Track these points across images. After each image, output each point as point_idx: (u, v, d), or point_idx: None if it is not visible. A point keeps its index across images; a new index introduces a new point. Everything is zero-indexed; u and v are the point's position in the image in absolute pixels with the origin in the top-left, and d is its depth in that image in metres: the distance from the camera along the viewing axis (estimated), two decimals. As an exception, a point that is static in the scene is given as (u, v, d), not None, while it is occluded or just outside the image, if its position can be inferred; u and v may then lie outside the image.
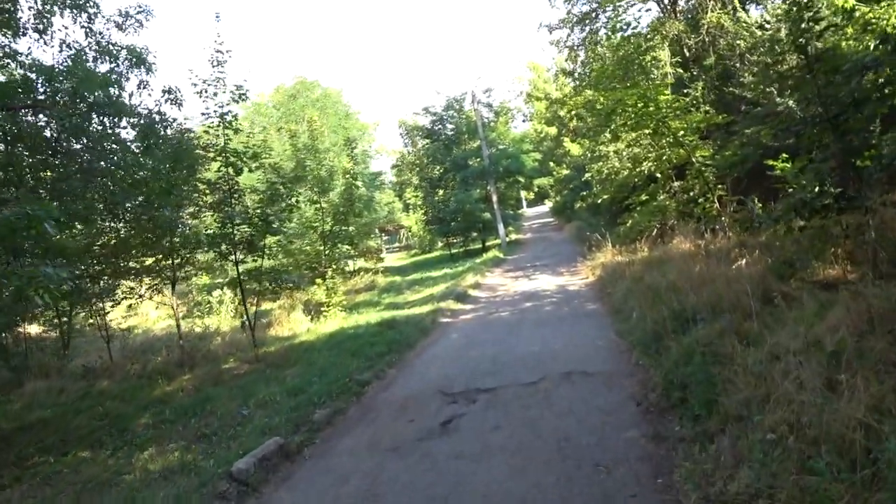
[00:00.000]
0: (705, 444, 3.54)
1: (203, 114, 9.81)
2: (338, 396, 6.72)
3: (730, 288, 6.28)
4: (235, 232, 10.06)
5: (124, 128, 9.13)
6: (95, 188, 8.49)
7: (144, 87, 9.50)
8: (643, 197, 13.16)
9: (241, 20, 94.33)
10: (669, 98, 10.53)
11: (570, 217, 30.77)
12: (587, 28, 16.46)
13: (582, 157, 22.94)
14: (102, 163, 8.62)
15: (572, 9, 16.34)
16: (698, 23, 13.96)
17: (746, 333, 4.84)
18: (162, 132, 9.48)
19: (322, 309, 13.89)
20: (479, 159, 27.21)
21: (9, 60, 8.34)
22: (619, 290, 9.77)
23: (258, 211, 10.40)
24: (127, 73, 9.26)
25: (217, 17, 9.92)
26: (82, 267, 10.32)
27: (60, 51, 8.59)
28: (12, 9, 8.17)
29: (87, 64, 8.76)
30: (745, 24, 12.23)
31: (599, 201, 18.03)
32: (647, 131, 11.55)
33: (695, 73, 13.65)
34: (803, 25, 6.76)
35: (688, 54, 14.29)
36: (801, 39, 6.78)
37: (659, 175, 12.77)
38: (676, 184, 12.27)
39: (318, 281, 14.53)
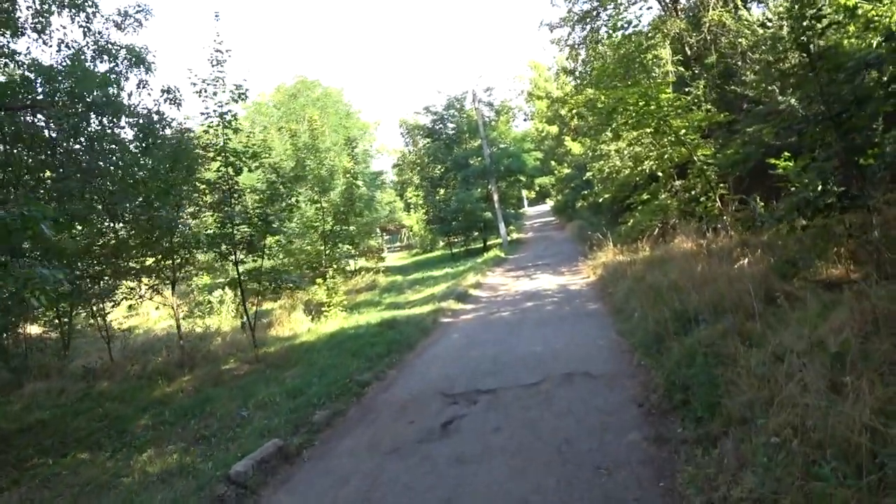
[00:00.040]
0: (708, 448, 3.49)
1: (202, 113, 9.79)
2: (338, 397, 6.68)
3: (732, 287, 6.24)
4: (235, 232, 10.03)
5: (122, 128, 9.10)
6: (94, 189, 8.46)
7: (144, 87, 9.49)
8: (644, 196, 13.12)
9: (241, 20, 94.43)
10: (671, 96, 10.49)
11: (571, 216, 30.73)
12: (588, 26, 16.41)
13: (583, 155, 22.90)
14: (101, 163, 8.59)
15: (573, 7, 16.31)
16: (700, 21, 13.90)
17: (749, 334, 4.79)
18: (161, 132, 9.45)
19: (323, 309, 13.85)
20: (480, 158, 27.17)
21: (7, 60, 8.31)
22: (620, 289, 9.72)
23: (258, 211, 10.36)
24: (126, 72, 9.25)
25: (216, 16, 9.94)
26: (82, 267, 10.33)
27: (58, 50, 8.57)
28: (11, 8, 8.15)
29: (86, 63, 8.73)
30: (746, 22, 12.17)
31: (601, 200, 17.99)
32: (648, 130, 11.51)
33: (696, 71, 13.59)
34: (805, 23, 6.71)
35: (689, 52, 14.23)
36: (803, 37, 6.73)
37: (660, 174, 12.73)
38: (678, 183, 12.22)
39: (319, 281, 14.49)
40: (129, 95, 9.33)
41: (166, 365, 10.17)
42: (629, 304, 8.48)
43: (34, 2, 8.18)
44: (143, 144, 9.05)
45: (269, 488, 4.64)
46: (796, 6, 6.76)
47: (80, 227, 9.48)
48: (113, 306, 11.84)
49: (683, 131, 10.81)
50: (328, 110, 31.68)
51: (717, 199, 10.43)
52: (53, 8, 8.33)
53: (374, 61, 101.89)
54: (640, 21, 14.60)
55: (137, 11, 9.40)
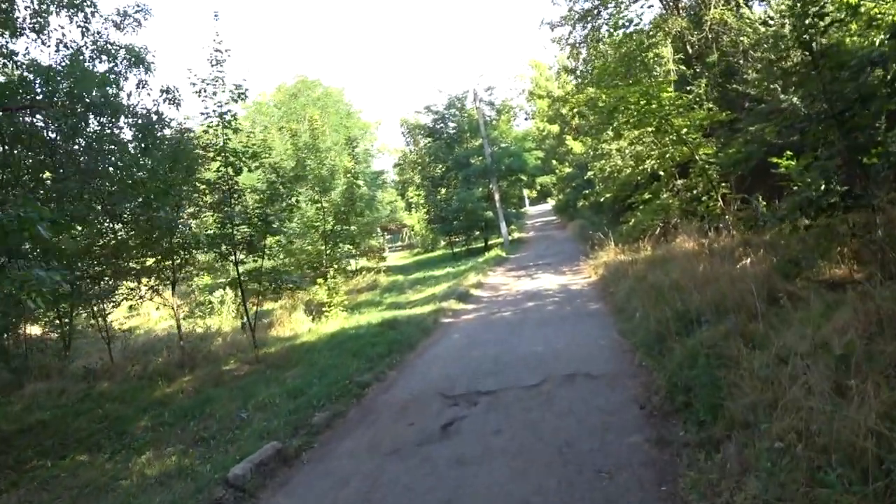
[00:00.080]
0: (711, 452, 3.44)
1: (202, 113, 9.76)
2: (337, 399, 6.65)
3: (734, 287, 6.19)
4: (235, 232, 10.00)
5: (121, 128, 9.08)
6: (93, 189, 8.44)
7: (143, 87, 9.47)
8: (646, 195, 13.08)
9: (242, 20, 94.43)
10: (672, 95, 10.45)
11: (572, 215, 30.67)
12: (589, 25, 16.34)
13: (584, 155, 22.85)
14: (100, 163, 8.56)
15: (574, 6, 16.24)
16: (701, 19, 13.84)
17: (752, 335, 4.74)
18: (160, 132, 9.42)
19: (323, 309, 13.83)
20: (481, 158, 27.12)
21: (5, 61, 8.29)
22: (621, 289, 9.68)
23: (258, 211, 10.33)
24: (126, 72, 9.23)
25: (216, 15, 9.91)
26: (82, 268, 10.31)
27: (57, 50, 8.53)
28: (9, 8, 8.11)
29: (85, 64, 8.71)
30: (748, 20, 12.11)
31: (602, 200, 17.95)
32: (649, 129, 11.47)
33: (698, 69, 13.53)
34: (808, 21, 6.67)
35: (690, 51, 14.17)
36: (805, 35, 6.68)
37: (662, 173, 12.69)
38: (679, 182, 12.17)
39: (320, 281, 14.46)
40: (129, 96, 9.31)
41: (167, 365, 10.14)
42: (630, 303, 8.44)
43: (32, 1, 8.15)
44: (143, 145, 9.02)
45: (268, 491, 4.60)
46: (798, 4, 6.72)
47: (79, 228, 9.46)
48: (114, 307, 11.82)
49: (685, 130, 10.77)
50: (329, 110, 31.68)
51: (719, 199, 10.39)
52: (52, 8, 8.30)
53: (375, 61, 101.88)
54: (641, 19, 14.56)
55: (136, 11, 9.37)
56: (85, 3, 8.52)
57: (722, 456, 3.28)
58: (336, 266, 16.91)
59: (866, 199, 5.81)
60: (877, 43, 6.91)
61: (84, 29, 8.65)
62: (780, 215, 6.78)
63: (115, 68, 9.07)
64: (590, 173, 19.34)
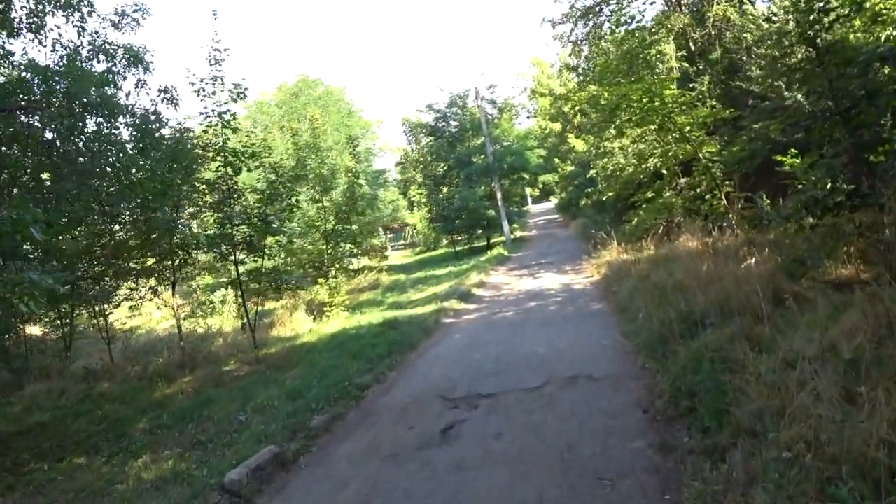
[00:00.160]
0: (716, 462, 3.34)
1: (201, 113, 9.69)
2: (336, 401, 6.57)
3: (739, 287, 6.10)
4: (235, 232, 9.94)
5: (119, 129, 9.01)
6: (90, 190, 8.37)
7: (142, 87, 9.41)
8: (649, 194, 12.99)
9: (243, 19, 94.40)
10: (675, 93, 10.33)
11: (575, 214, 30.55)
12: (591, 22, 16.20)
13: (587, 153, 22.73)
14: (98, 164, 8.50)
15: (576, 3, 16.10)
16: (704, 16, 13.71)
17: (758, 338, 4.64)
18: (158, 132, 9.35)
19: (325, 309, 13.77)
20: (483, 156, 27.04)
21: (1, 61, 8.23)
22: (624, 288, 9.59)
23: (257, 211, 10.26)
24: (124, 72, 9.18)
25: (214, 14, 9.82)
26: (83, 268, 10.26)
27: (53, 50, 8.47)
28: (6, 8, 8.06)
29: (83, 63, 8.65)
30: (751, 17, 11.99)
31: (604, 198, 17.83)
32: (652, 127, 11.37)
33: (701, 67, 13.40)
34: (812, 17, 6.56)
35: (693, 48, 14.05)
36: (810, 32, 6.58)
37: (665, 171, 12.58)
38: (683, 180, 12.07)
39: (321, 280, 14.39)
40: (127, 95, 9.26)
41: (167, 366, 10.11)
42: (633, 303, 8.35)
43: (28, 1, 8.08)
44: (141, 145, 8.96)
45: (264, 496, 4.54)
46: (802, 0, 6.61)
47: (78, 230, 9.41)
48: (115, 307, 11.77)
49: (688, 128, 10.66)
50: (330, 109, 31.63)
51: (723, 197, 10.28)
52: (48, 7, 8.23)
53: (377, 60, 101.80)
54: (643, 16, 14.42)
55: (135, 11, 9.33)
56: (81, 3, 8.45)
57: (728, 466, 3.19)
58: (338, 265, 16.85)
59: (873, 198, 5.70)
60: (882, 38, 6.81)
61: (80, 29, 8.60)
62: (785, 214, 6.67)
63: (114, 68, 9.02)
64: (592, 172, 19.23)
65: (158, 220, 9.23)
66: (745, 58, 12.08)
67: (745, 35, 12.03)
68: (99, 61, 8.94)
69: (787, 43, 8.36)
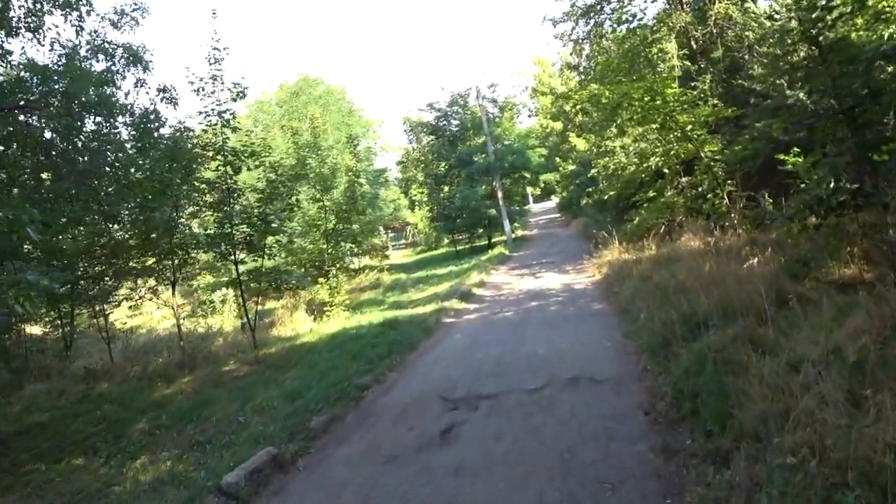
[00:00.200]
0: (720, 467, 3.28)
1: (200, 112, 9.63)
2: (336, 402, 6.52)
3: (741, 288, 6.04)
4: (235, 232, 9.90)
5: (117, 128, 8.98)
6: (88, 189, 8.34)
7: (141, 86, 9.38)
8: (650, 193, 12.94)
9: (244, 18, 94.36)
10: (677, 91, 10.27)
11: (576, 213, 30.50)
12: (592, 21, 16.14)
13: (588, 152, 22.66)
14: (96, 164, 8.47)
15: (577, 1, 16.04)
16: (705, 14, 13.66)
17: (761, 340, 4.58)
18: (157, 132, 9.32)
19: (325, 308, 13.73)
20: (484, 155, 26.99)
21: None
22: (626, 288, 9.54)
23: (256, 210, 10.22)
24: (123, 71, 9.15)
25: (214, 13, 9.78)
26: (83, 268, 10.23)
27: (52, 49, 8.44)
28: (4, 7, 8.02)
29: (82, 63, 8.61)
30: (753, 15, 11.93)
31: (606, 197, 17.80)
32: (653, 126, 11.31)
33: (702, 65, 13.34)
34: (815, 15, 6.50)
35: (695, 46, 13.99)
36: (813, 30, 6.52)
37: (666, 170, 12.52)
38: (684, 179, 12.01)
39: (321, 280, 14.34)
40: (126, 95, 9.22)
41: (167, 366, 10.06)
42: (635, 304, 8.30)
43: (26, 0, 8.05)
44: (140, 144, 8.92)
45: (261, 499, 4.49)
46: (805, -2, 6.56)
47: (78, 229, 9.37)
48: (115, 307, 11.74)
49: (690, 127, 10.60)
50: (331, 108, 31.61)
51: (725, 197, 10.23)
52: (46, 7, 8.19)
53: (378, 59, 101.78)
54: (644, 14, 14.40)
55: (134, 10, 9.31)
56: (80, 2, 8.42)
57: (731, 471, 3.12)
58: (338, 265, 16.81)
59: (877, 198, 5.65)
60: (885, 36, 6.75)
61: (79, 28, 8.57)
62: (788, 214, 6.62)
63: (113, 67, 9.00)
64: (593, 171, 19.19)
65: (157, 219, 9.18)
66: (747, 56, 12.03)
67: (747, 33, 11.98)
68: (98, 60, 8.92)
69: (789, 41, 8.30)
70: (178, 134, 10.12)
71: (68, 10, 8.35)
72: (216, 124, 9.63)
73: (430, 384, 6.79)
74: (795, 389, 3.27)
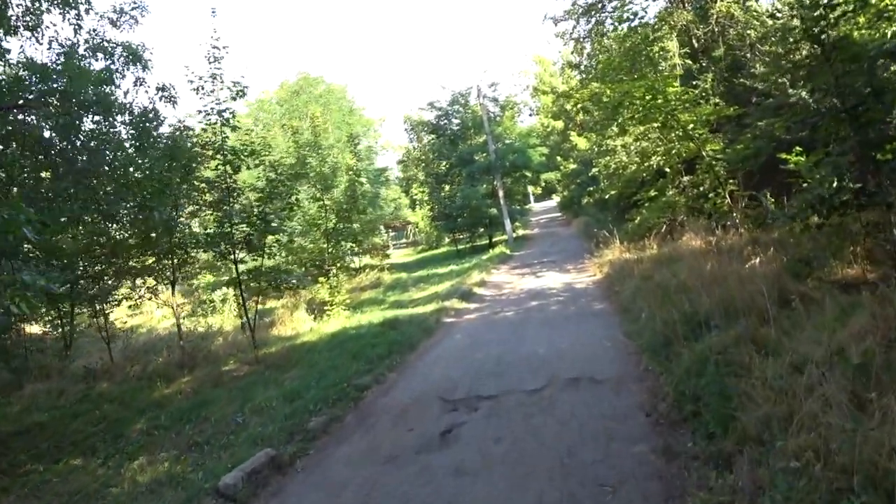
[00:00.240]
0: (722, 471, 3.23)
1: (199, 111, 9.60)
2: (335, 403, 6.48)
3: (743, 287, 6.00)
4: (234, 231, 9.86)
5: (116, 127, 8.95)
6: (87, 189, 8.31)
7: (140, 85, 9.35)
8: (652, 192, 12.89)
9: (244, 17, 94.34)
10: (678, 90, 10.22)
11: (577, 212, 30.45)
12: (593, 19, 16.07)
13: (589, 151, 22.61)
14: (95, 163, 8.43)
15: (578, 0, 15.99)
16: (707, 12, 13.60)
17: (764, 340, 4.53)
18: (156, 131, 9.28)
19: (325, 308, 13.70)
20: (485, 154, 26.95)
21: (-2, 60, 8.18)
22: (627, 288, 9.50)
23: (256, 210, 10.18)
24: (122, 70, 9.11)
25: (213, 12, 9.72)
26: (81, 268, 10.20)
27: (50, 48, 8.41)
28: (3, 6, 7.99)
29: (81, 61, 8.58)
30: (755, 13, 11.89)
31: (607, 197, 17.75)
32: (655, 124, 11.26)
33: (704, 64, 13.29)
34: (817, 13, 6.45)
35: (697, 45, 13.93)
36: (815, 28, 6.47)
37: (668, 170, 12.48)
38: (686, 178, 11.97)
39: (322, 279, 14.31)
40: (125, 94, 9.19)
41: (166, 366, 10.03)
42: (636, 303, 8.26)
43: (24, -1, 8.03)
44: (139, 143, 8.89)
45: (259, 500, 4.46)
46: (808, -5, 6.51)
47: (79, 228, 9.34)
48: (115, 306, 11.72)
49: (691, 126, 10.55)
50: (331, 107, 31.57)
51: (727, 196, 10.18)
52: (45, 5, 8.16)
53: (378, 58, 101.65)
54: (646, 13, 14.32)
55: (133, 8, 9.28)
56: (79, 1, 8.38)
57: (733, 474, 3.08)
58: (339, 264, 16.78)
59: (880, 197, 5.61)
60: (889, 35, 6.70)
61: (77, 26, 8.53)
62: (790, 213, 6.57)
63: (112, 66, 8.96)
64: (594, 170, 19.13)
65: (157, 218, 9.15)
66: (748, 55, 11.98)
67: (748, 32, 11.94)
68: (97, 59, 8.89)
69: (791, 39, 8.26)
70: (177, 133, 10.09)
71: (67, 8, 8.31)
72: (216, 123, 9.59)
73: (430, 384, 6.76)
74: (799, 391, 3.23)
